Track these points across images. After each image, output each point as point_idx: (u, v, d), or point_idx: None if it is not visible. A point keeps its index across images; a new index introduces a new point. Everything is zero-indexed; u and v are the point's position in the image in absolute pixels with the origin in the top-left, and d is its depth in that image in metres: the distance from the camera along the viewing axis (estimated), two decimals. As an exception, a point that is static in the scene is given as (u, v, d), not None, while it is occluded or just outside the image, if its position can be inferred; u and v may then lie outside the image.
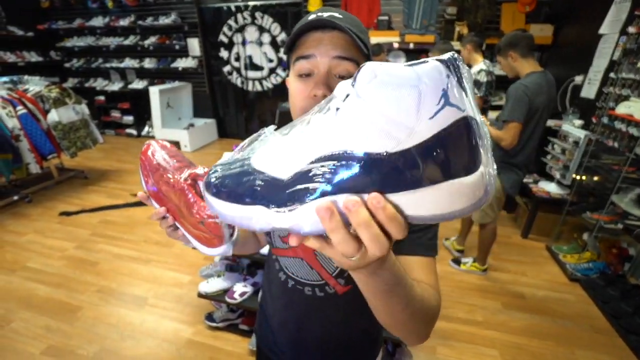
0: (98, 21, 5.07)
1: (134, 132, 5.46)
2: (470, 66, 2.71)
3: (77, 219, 2.94)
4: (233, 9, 4.52)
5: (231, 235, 0.55)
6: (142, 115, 5.44)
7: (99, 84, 5.48)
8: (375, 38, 3.85)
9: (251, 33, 4.63)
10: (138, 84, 5.24)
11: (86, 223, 2.87)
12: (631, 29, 2.12)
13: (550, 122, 2.71)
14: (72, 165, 3.95)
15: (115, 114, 5.48)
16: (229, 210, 0.29)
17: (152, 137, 5.06)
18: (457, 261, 2.36)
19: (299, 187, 0.25)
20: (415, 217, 0.25)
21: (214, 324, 1.79)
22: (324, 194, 0.25)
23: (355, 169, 0.24)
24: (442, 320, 1.88)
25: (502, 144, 1.83)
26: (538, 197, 2.62)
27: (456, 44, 3.54)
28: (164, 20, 4.70)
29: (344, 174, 0.24)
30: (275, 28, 4.43)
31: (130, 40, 5.08)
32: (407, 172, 0.24)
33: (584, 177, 2.40)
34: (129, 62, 5.24)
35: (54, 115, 3.15)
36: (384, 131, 0.24)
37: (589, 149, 2.29)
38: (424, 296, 0.43)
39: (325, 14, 0.51)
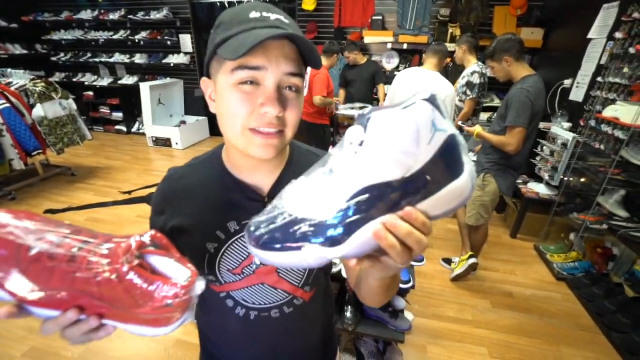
0: (87, 14, 4.96)
1: (123, 128, 5.36)
2: (463, 67, 2.73)
3: (63, 217, 2.87)
4: (226, 4, 4.47)
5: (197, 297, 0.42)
6: (132, 111, 5.34)
7: (88, 78, 5.36)
8: (370, 38, 3.86)
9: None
10: (128, 80, 5.14)
11: (73, 221, 2.74)
12: (618, 34, 2.17)
13: (540, 124, 2.76)
14: (59, 161, 3.85)
15: (104, 110, 5.37)
16: (286, 259, 0.33)
17: (143, 134, 5.00)
18: (447, 260, 2.38)
19: (344, 222, 0.32)
20: (433, 216, 0.32)
21: (203, 324, 1.77)
22: (366, 221, 0.31)
23: (384, 195, 0.31)
24: (433, 319, 1.90)
25: (508, 149, 1.82)
26: (527, 197, 2.66)
27: (449, 46, 3.58)
28: (156, 15, 4.62)
29: (376, 202, 0.31)
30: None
31: (120, 35, 4.98)
32: (420, 188, 0.31)
33: (571, 179, 2.46)
34: (118, 57, 5.13)
35: (39, 110, 3.07)
36: (397, 162, 0.31)
37: (577, 151, 2.34)
38: (399, 275, 0.49)
39: (272, 16, 0.44)
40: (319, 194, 0.33)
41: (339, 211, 0.32)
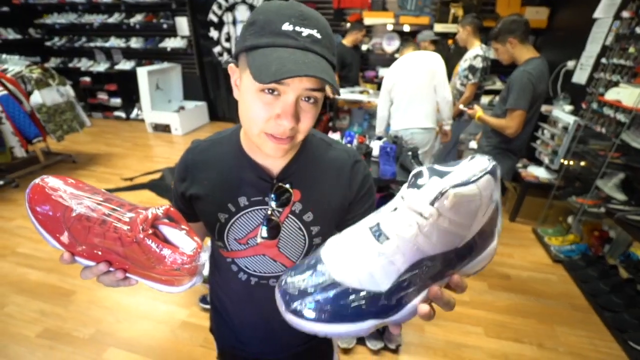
0: (79, -3, 4.82)
1: (122, 114, 5.32)
2: (464, 49, 2.67)
3: (66, 204, 2.90)
4: (222, -15, 4.34)
5: (204, 265, 0.48)
6: (131, 97, 5.28)
7: (84, 64, 5.27)
8: (370, 19, 3.76)
9: (242, 12, 4.47)
10: (125, 65, 5.06)
11: (76, 208, 2.83)
12: (625, 14, 2.12)
13: (541, 108, 2.74)
14: (59, 149, 3.85)
15: (102, 96, 5.31)
16: (338, 329, 0.33)
17: (142, 120, 4.97)
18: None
19: (398, 295, 0.33)
20: (470, 273, 0.36)
21: (207, 306, 1.83)
22: (418, 292, 0.34)
23: (437, 265, 0.33)
24: (431, 301, 1.95)
25: (507, 132, 1.81)
26: (527, 181, 2.67)
27: (451, 27, 3.50)
28: (150, -3, 4.49)
29: (429, 273, 0.33)
30: (267, 7, 4.28)
31: (115, 18, 4.86)
32: (467, 255, 0.34)
33: (571, 162, 2.46)
34: (114, 42, 5.03)
35: (37, 97, 3.04)
36: (454, 234, 0.32)
37: (578, 135, 2.33)
38: None
39: (305, 32, 0.45)
40: (371, 263, 0.33)
41: (393, 284, 0.32)
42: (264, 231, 0.60)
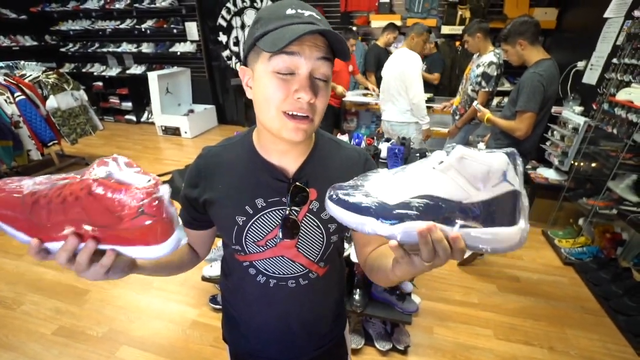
0: (93, 3, 4.96)
1: (133, 118, 5.43)
2: (477, 55, 2.62)
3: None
4: (231, -9, 4.41)
5: (176, 212, 0.45)
6: (141, 101, 5.40)
7: (97, 69, 5.41)
8: (376, 22, 3.78)
9: (250, 16, 4.54)
10: (136, 69, 5.18)
11: (89, 209, 2.90)
12: (637, 13, 2.09)
13: (552, 109, 2.71)
14: (73, 152, 3.96)
15: (114, 100, 5.44)
16: (349, 217, 0.41)
17: (152, 124, 5.06)
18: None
19: (400, 211, 0.39)
20: (470, 246, 0.39)
21: (217, 306, 1.86)
22: (415, 218, 0.39)
23: (439, 207, 0.38)
24: (439, 302, 1.95)
25: (516, 135, 1.80)
26: (536, 182, 2.65)
27: (459, 29, 3.49)
28: (161, 3, 4.60)
29: (430, 209, 0.39)
30: (275, 11, 4.34)
31: (127, 24, 4.98)
32: (470, 217, 0.38)
33: (582, 164, 2.43)
34: (126, 47, 5.16)
35: (52, 102, 3.14)
36: (461, 188, 0.38)
37: (588, 136, 2.30)
38: None
39: (305, 12, 0.50)
40: (393, 185, 0.42)
41: (401, 202, 0.40)
42: (283, 231, 0.60)
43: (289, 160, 0.61)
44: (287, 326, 0.72)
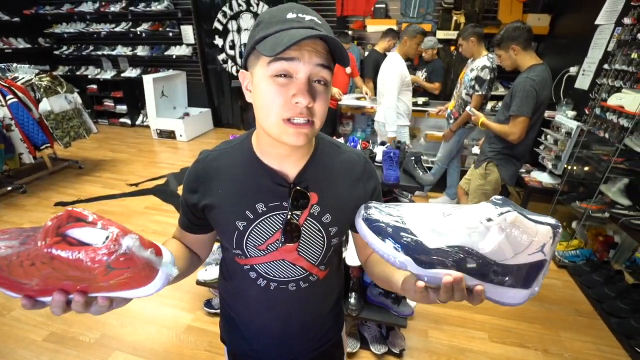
0: (88, 6, 4.94)
1: (128, 121, 5.39)
2: (471, 59, 2.66)
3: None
4: (227, -6, 4.42)
5: (156, 254, 0.43)
6: (136, 104, 5.37)
7: (91, 72, 5.38)
8: (372, 26, 3.82)
9: (246, 20, 4.55)
10: (131, 72, 5.15)
11: (82, 213, 2.87)
12: (627, 20, 2.14)
13: (544, 113, 2.74)
14: (66, 155, 3.91)
15: (108, 103, 5.40)
16: (382, 246, 0.44)
17: (147, 127, 5.04)
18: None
19: (437, 258, 0.42)
20: (490, 298, 0.43)
21: (212, 310, 1.84)
22: (448, 266, 0.42)
23: (473, 261, 0.41)
24: (434, 305, 1.94)
25: (510, 139, 1.83)
26: (530, 186, 2.67)
27: (453, 34, 3.53)
28: (157, 6, 4.59)
29: (465, 262, 0.41)
30: (271, 15, 4.36)
31: (122, 27, 4.97)
32: (500, 276, 0.41)
33: (574, 167, 2.46)
34: (121, 50, 5.13)
35: (45, 105, 3.11)
36: (501, 250, 0.40)
37: (581, 140, 2.34)
38: None
39: (306, 17, 0.49)
40: (437, 229, 0.43)
41: (439, 248, 0.42)
42: (284, 236, 0.61)
43: (289, 165, 0.61)
44: (287, 328, 0.73)
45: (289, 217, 0.60)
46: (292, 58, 0.48)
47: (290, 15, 0.49)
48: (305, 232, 0.62)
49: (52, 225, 0.39)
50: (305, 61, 0.48)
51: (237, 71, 4.88)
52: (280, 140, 0.53)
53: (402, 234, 0.43)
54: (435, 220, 0.44)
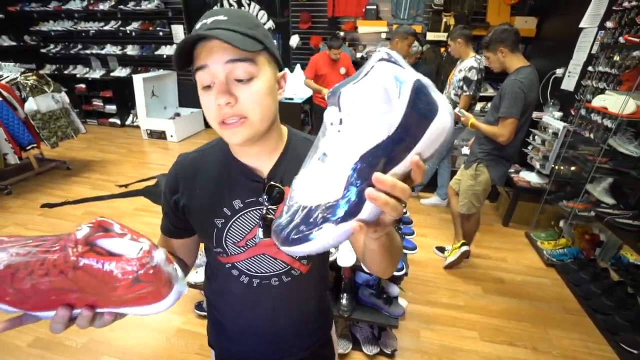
0: (76, 4, 4.84)
1: (117, 121, 5.31)
2: (456, 58, 2.71)
3: (60, 211, 2.88)
4: (218, -6, 4.39)
5: (175, 269, 0.43)
6: (126, 104, 5.28)
7: (79, 71, 5.27)
8: (364, 28, 3.84)
9: (238, 20, 4.52)
10: (121, 72, 5.07)
11: (70, 215, 2.82)
12: (609, 24, 2.19)
13: (532, 114, 2.80)
14: (53, 155, 3.83)
15: (97, 103, 5.30)
16: (315, 245, 0.35)
17: (137, 127, 4.97)
18: (441, 249, 2.44)
19: (354, 192, 0.34)
20: (426, 158, 0.34)
21: (203, 313, 1.82)
22: (365, 188, 0.33)
23: (378, 157, 0.33)
24: (426, 305, 1.96)
25: (499, 140, 1.85)
26: (519, 186, 2.72)
27: (443, 35, 3.58)
28: (147, 5, 4.53)
29: (374, 166, 0.33)
30: (263, 15, 4.34)
31: (111, 26, 4.88)
32: (406, 138, 0.33)
33: (561, 167, 2.51)
34: (110, 49, 5.05)
35: (32, 104, 3.04)
36: (378, 124, 0.33)
37: (567, 140, 2.38)
38: (399, 239, 0.54)
39: (209, 20, 0.50)
40: (322, 179, 0.36)
41: (345, 187, 0.34)
42: (261, 231, 0.62)
43: (262, 161, 0.63)
44: (274, 327, 0.73)
45: (265, 211, 0.61)
46: (203, 66, 0.49)
47: (198, 25, 0.51)
48: None
49: (84, 234, 0.38)
50: (215, 63, 0.48)
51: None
52: (227, 140, 0.56)
53: (312, 217, 0.35)
54: (319, 174, 0.37)
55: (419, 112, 0.33)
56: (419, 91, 0.33)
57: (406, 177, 0.34)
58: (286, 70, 0.62)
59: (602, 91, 2.19)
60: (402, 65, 0.33)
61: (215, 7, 0.57)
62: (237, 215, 0.62)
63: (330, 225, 0.35)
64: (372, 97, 0.33)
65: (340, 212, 0.34)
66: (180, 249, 0.72)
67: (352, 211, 0.34)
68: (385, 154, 0.33)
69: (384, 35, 3.85)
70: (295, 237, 0.36)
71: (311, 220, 0.35)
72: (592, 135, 2.18)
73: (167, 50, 4.84)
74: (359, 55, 4.01)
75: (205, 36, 0.47)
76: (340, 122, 0.34)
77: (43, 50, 5.30)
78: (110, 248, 0.40)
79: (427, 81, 0.33)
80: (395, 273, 1.53)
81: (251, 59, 0.50)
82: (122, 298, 0.39)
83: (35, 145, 3.10)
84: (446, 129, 0.33)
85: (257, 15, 4.36)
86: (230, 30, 0.48)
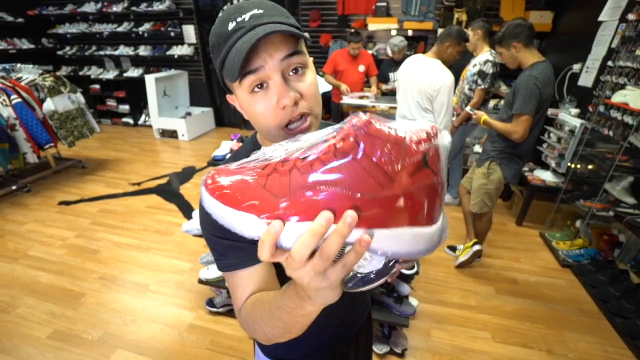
0: (90, 7, 4.96)
1: (130, 121, 5.42)
2: (470, 53, 2.65)
3: (76, 208, 2.96)
4: (229, -6, 4.42)
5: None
6: (139, 103, 5.39)
7: (94, 72, 5.40)
8: (374, 25, 3.80)
9: (248, 19, 4.55)
10: (133, 72, 5.17)
11: (86, 212, 2.89)
12: (631, 16, 2.11)
13: (547, 111, 2.72)
14: (70, 154, 3.94)
15: (111, 103, 5.42)
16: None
17: (149, 126, 5.06)
18: (452, 248, 2.40)
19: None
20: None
21: (214, 309, 1.84)
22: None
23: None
24: (437, 305, 1.94)
25: (513, 137, 1.81)
26: (533, 185, 2.65)
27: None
28: (158, 6, 4.60)
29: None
30: (272, 14, 4.35)
31: (124, 27, 4.98)
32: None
33: (578, 166, 2.43)
34: (123, 50, 5.15)
35: (49, 104, 3.13)
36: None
37: (585, 138, 2.31)
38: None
39: (246, 16, 0.45)
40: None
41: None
42: None
43: None
44: (348, 317, 0.78)
45: None
46: (257, 68, 0.45)
47: (231, 26, 0.46)
48: None
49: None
50: (270, 62, 0.45)
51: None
52: None
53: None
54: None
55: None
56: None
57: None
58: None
59: (623, 87, 2.11)
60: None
61: (238, 1, 0.51)
62: None
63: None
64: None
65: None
66: (264, 278, 0.56)
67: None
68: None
69: (394, 33, 3.80)
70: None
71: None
72: (611, 133, 2.11)
73: (178, 51, 4.91)
74: (369, 52, 3.97)
75: (268, 33, 0.42)
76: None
77: (59, 52, 5.45)
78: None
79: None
80: (406, 272, 1.52)
81: (301, 50, 0.48)
82: (392, 200, 0.28)
83: (52, 144, 3.19)
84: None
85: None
86: (277, 23, 0.45)
